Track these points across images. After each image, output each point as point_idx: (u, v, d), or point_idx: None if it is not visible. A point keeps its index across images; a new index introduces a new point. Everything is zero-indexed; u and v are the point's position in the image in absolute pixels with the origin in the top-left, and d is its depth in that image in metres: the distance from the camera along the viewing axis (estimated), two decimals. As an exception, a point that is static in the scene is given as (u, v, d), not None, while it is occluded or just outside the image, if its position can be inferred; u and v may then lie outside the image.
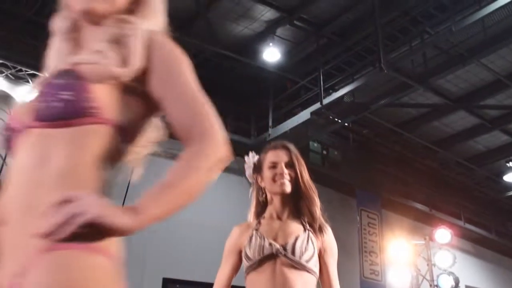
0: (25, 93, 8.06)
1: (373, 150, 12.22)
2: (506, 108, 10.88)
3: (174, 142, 1.35)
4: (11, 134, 1.26)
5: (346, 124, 10.62)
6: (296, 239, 2.27)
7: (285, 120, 9.91)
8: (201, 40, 9.17)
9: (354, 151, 12.05)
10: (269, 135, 10.02)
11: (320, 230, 2.37)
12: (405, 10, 8.72)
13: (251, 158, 2.52)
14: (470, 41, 8.67)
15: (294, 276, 2.21)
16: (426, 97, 10.45)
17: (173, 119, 1.27)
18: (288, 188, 2.40)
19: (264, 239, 2.29)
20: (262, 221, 2.44)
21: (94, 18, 1.33)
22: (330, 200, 11.27)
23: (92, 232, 1.04)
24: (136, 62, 1.24)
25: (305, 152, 11.43)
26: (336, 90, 9.41)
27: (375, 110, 10.10)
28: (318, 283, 2.43)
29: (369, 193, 11.74)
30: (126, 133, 1.26)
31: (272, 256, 2.25)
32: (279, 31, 9.24)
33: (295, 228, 2.34)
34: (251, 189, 2.57)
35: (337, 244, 3.37)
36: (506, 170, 12.80)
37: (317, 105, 9.24)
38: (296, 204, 2.42)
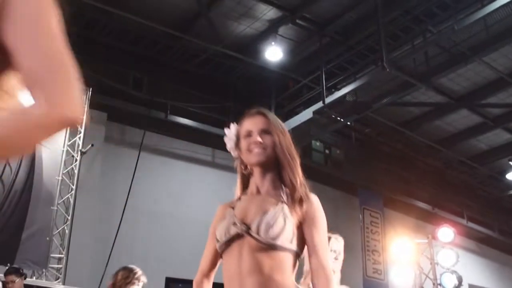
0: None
1: (375, 149, 12.22)
2: (508, 107, 10.87)
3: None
4: None
5: (348, 123, 10.63)
6: (264, 214, 2.04)
7: (287, 119, 9.91)
8: (203, 39, 9.19)
9: (356, 150, 12.05)
10: (271, 134, 10.02)
11: (300, 200, 2.12)
12: (407, 9, 8.72)
13: (232, 130, 2.31)
14: (472, 40, 8.66)
15: (262, 256, 1.99)
16: (428, 96, 10.45)
17: (22, 71, 1.02)
18: (260, 157, 2.15)
19: (233, 218, 2.10)
20: (243, 197, 2.24)
21: None
22: (333, 199, 11.30)
23: None
24: None
25: (307, 151, 11.44)
26: (338, 89, 9.40)
27: (378, 109, 10.10)
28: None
29: (371, 192, 11.74)
30: None
31: (238, 237, 2.04)
32: (282, 30, 9.24)
33: (269, 202, 2.10)
34: (235, 163, 2.31)
35: (340, 242, 3.36)
36: (508, 168, 12.79)
37: (319, 104, 9.24)
38: (279, 175, 2.18)
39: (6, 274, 5.62)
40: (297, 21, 9.02)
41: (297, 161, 2.21)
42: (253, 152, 2.16)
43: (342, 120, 9.88)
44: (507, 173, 12.92)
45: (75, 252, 7.88)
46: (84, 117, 8.48)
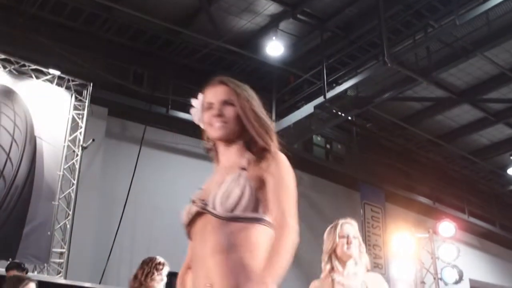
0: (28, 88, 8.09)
1: (376, 144, 12.22)
2: (510, 102, 10.85)
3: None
4: None
5: (349, 117, 10.62)
6: (220, 186, 1.85)
7: (288, 114, 9.91)
8: (204, 34, 9.18)
9: (357, 145, 12.05)
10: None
11: (263, 162, 1.88)
12: (409, 3, 8.69)
13: (200, 101, 2.09)
14: (474, 35, 8.64)
15: (224, 233, 1.77)
16: (429, 91, 10.44)
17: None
18: (221, 132, 1.95)
19: (193, 196, 1.96)
20: (212, 175, 2.06)
21: None
22: (334, 193, 11.31)
23: None
24: None
25: (308, 146, 11.44)
26: (339, 84, 9.39)
27: (379, 103, 10.09)
28: None
29: (372, 187, 11.74)
30: None
31: (200, 216, 1.86)
32: (283, 25, 9.22)
33: (229, 173, 1.89)
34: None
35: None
36: (510, 163, 12.78)
37: (320, 99, 9.23)
38: (246, 145, 1.97)
39: (7, 269, 5.63)
40: (298, 16, 9.00)
41: (267, 128, 1.97)
42: (213, 126, 1.97)
43: (343, 115, 9.87)
44: (508, 168, 12.91)
45: (76, 246, 7.89)
46: (85, 112, 8.52)
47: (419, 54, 8.95)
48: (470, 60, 9.25)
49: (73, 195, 8.03)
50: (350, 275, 3.19)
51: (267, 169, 1.86)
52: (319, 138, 11.72)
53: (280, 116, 10.08)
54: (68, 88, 8.34)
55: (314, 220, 11.02)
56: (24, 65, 7.99)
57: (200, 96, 2.10)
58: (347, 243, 3.26)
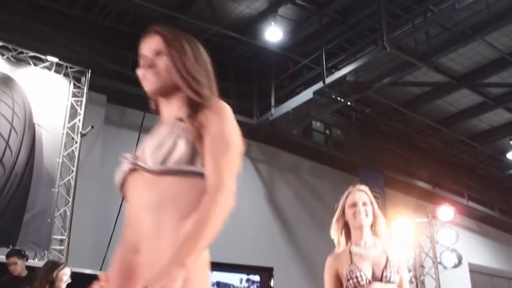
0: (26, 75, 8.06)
1: (376, 129, 12.22)
2: (509, 86, 10.84)
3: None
4: None
5: (348, 103, 10.60)
6: (152, 138, 1.71)
7: (287, 99, 9.89)
8: (203, 20, 9.13)
9: (357, 130, 12.05)
10: (271, 114, 10.01)
11: (201, 111, 1.68)
12: (408, -13, 8.64)
13: None
14: (473, 19, 8.60)
15: (156, 189, 1.58)
16: (429, 76, 10.41)
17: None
18: (152, 85, 1.79)
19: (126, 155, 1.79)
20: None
21: None
22: (333, 179, 11.32)
23: None
24: None
25: (308, 132, 11.43)
26: (338, 69, 9.36)
27: (378, 89, 10.07)
28: None
29: (372, 172, 11.76)
30: None
31: (131, 173, 1.69)
32: (281, 10, 9.17)
33: (165, 126, 1.74)
34: None
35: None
36: (509, 148, 12.79)
37: (319, 85, 9.21)
38: (189, 102, 1.76)
39: (8, 256, 5.64)
40: (297, 1, 8.94)
41: (199, 80, 1.80)
42: (146, 79, 1.81)
43: (342, 100, 9.85)
44: (508, 153, 12.92)
45: (76, 233, 7.92)
46: (84, 99, 8.49)
47: (419, 38, 8.92)
48: (469, 44, 9.22)
49: (72, 182, 8.04)
50: (369, 245, 3.01)
51: (206, 122, 1.65)
52: (318, 124, 11.71)
53: (279, 101, 10.06)
54: (66, 75, 8.32)
55: (314, 205, 11.07)
56: (22, 52, 7.95)
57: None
58: (355, 212, 3.09)
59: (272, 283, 8.49)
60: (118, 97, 9.40)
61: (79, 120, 8.31)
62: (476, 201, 13.68)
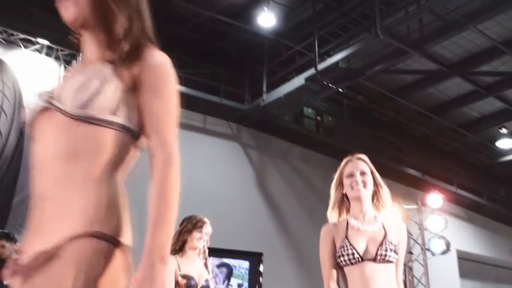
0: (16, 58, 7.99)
1: (367, 116, 12.23)
2: (501, 75, 10.87)
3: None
4: None
5: (340, 90, 10.60)
6: (73, 77, 1.49)
7: (279, 85, 9.87)
8: (196, 4, 9.07)
9: (348, 117, 12.06)
10: (263, 100, 9.99)
11: (133, 57, 1.47)
12: (402, -26, 8.61)
13: None
14: (466, 7, 8.59)
15: (65, 132, 1.40)
16: (421, 64, 10.42)
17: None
18: (69, 15, 1.58)
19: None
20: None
21: None
22: (324, 165, 11.33)
23: None
24: None
25: (299, 118, 11.43)
26: (331, 56, 9.34)
27: (370, 76, 10.07)
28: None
29: (362, 159, 11.76)
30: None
31: (43, 112, 1.48)
32: (274, -5, 9.14)
33: (89, 65, 1.54)
34: None
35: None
36: (499, 136, 12.87)
37: (311, 71, 9.20)
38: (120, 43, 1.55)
39: (-4, 238, 5.63)
40: (290, -14, 8.91)
41: (133, 20, 1.60)
42: (64, 7, 1.60)
43: (334, 87, 9.84)
44: (497, 141, 13.00)
45: (66, 217, 7.90)
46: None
47: (411, 26, 8.91)
48: (462, 33, 9.21)
49: (62, 166, 8.00)
50: (368, 220, 2.81)
51: (143, 76, 1.45)
52: (309, 110, 11.71)
53: (271, 87, 10.04)
54: (57, 58, 8.25)
55: (304, 191, 11.09)
56: (12, 34, 7.88)
57: None
58: (352, 183, 2.88)
59: (261, 269, 8.53)
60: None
61: (69, 104, 8.25)
62: (465, 189, 13.76)
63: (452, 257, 12.79)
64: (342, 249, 2.71)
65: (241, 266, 8.35)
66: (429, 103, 12.04)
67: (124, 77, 1.44)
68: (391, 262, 2.70)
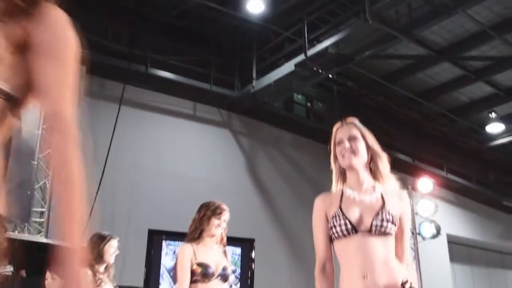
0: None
1: (357, 102, 12.24)
2: (490, 59, 10.90)
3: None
4: None
5: (330, 75, 10.58)
6: None
7: (269, 72, 9.84)
8: (184, -10, 9.00)
9: (338, 103, 12.05)
10: (253, 87, 9.97)
11: (22, 14, 1.24)
12: (391, -41, 8.57)
13: None
14: (455, -9, 8.59)
15: None
16: (410, 48, 10.42)
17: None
18: None
19: None
20: None
21: None
22: (315, 151, 11.35)
23: None
24: None
25: (289, 104, 11.41)
26: (320, 42, 9.33)
27: (360, 61, 10.06)
28: None
29: (353, 145, 11.79)
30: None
31: None
32: (263, -19, 9.07)
33: None
34: None
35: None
36: (488, 121, 12.93)
37: (301, 57, 9.18)
38: None
39: (-13, 228, 5.60)
40: (279, -29, 8.86)
41: None
42: None
43: (324, 73, 9.83)
44: (487, 125, 13.06)
45: (57, 206, 7.87)
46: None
47: (400, 11, 8.90)
48: (451, 17, 9.21)
49: (52, 155, 7.95)
50: (366, 189, 2.59)
51: (33, 32, 1.24)
52: (299, 97, 11.70)
53: (260, 74, 10.01)
54: (44, 45, 8.17)
55: (294, 177, 11.11)
56: None
57: None
58: (342, 151, 2.68)
59: (253, 255, 8.56)
60: (98, 69, 9.26)
61: (58, 92, 8.18)
62: (455, 173, 13.85)
63: (443, 241, 12.90)
64: (334, 219, 2.49)
65: (234, 252, 8.36)
66: (418, 88, 12.06)
67: (14, 38, 1.21)
68: (389, 234, 2.45)
